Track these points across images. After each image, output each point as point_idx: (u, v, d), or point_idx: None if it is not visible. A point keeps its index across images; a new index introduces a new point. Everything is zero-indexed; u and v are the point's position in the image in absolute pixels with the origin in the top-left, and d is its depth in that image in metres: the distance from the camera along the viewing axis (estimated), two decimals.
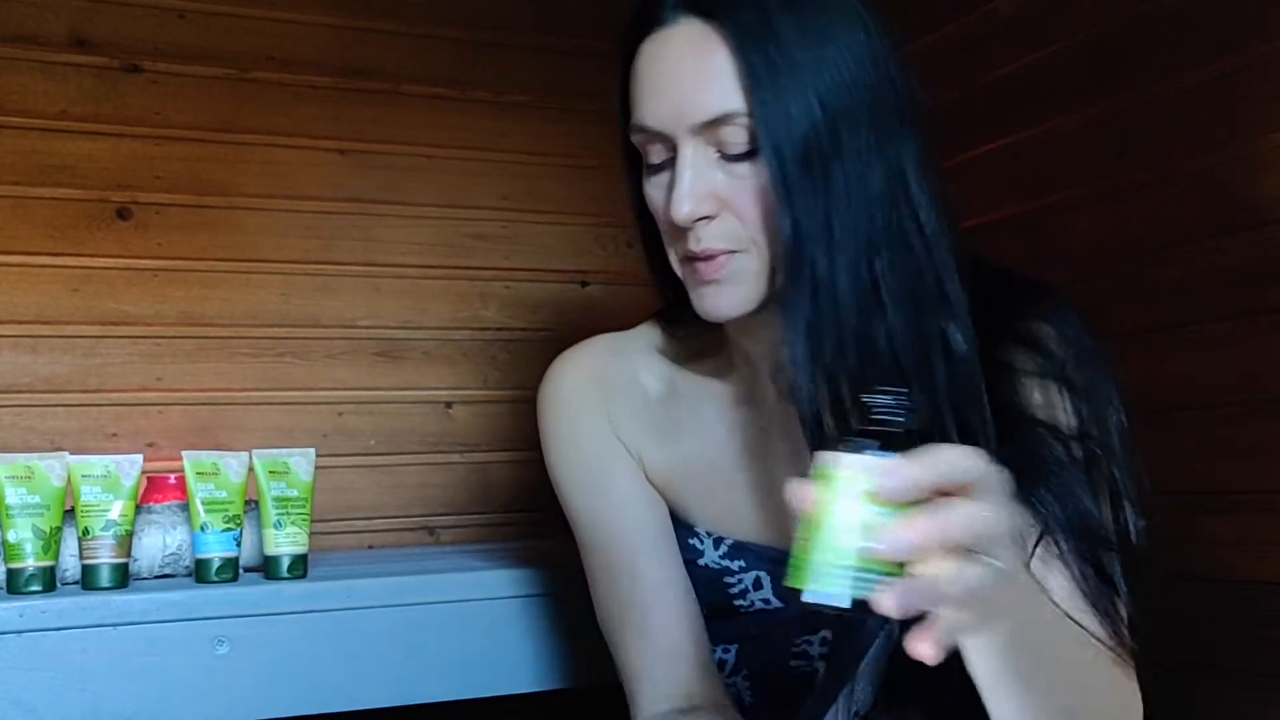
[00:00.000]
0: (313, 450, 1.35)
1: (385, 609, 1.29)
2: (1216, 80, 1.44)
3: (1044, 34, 1.68)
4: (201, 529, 1.28)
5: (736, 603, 1.03)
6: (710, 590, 1.04)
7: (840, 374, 0.88)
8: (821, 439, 0.87)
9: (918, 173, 0.92)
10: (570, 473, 1.09)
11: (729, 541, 1.04)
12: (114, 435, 1.72)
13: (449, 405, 1.93)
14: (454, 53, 1.98)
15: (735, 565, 1.02)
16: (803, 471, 0.96)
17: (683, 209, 0.89)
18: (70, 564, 1.27)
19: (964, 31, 1.83)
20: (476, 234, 1.97)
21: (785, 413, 1.00)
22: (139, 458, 1.29)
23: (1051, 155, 1.67)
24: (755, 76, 0.87)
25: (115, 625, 1.19)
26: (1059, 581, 0.86)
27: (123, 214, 1.76)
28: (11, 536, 1.21)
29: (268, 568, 1.30)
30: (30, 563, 1.21)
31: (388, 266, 1.91)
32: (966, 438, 0.88)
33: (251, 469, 1.32)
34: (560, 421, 1.10)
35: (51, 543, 1.22)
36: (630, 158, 0.98)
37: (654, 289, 1.07)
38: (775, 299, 0.92)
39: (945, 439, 0.88)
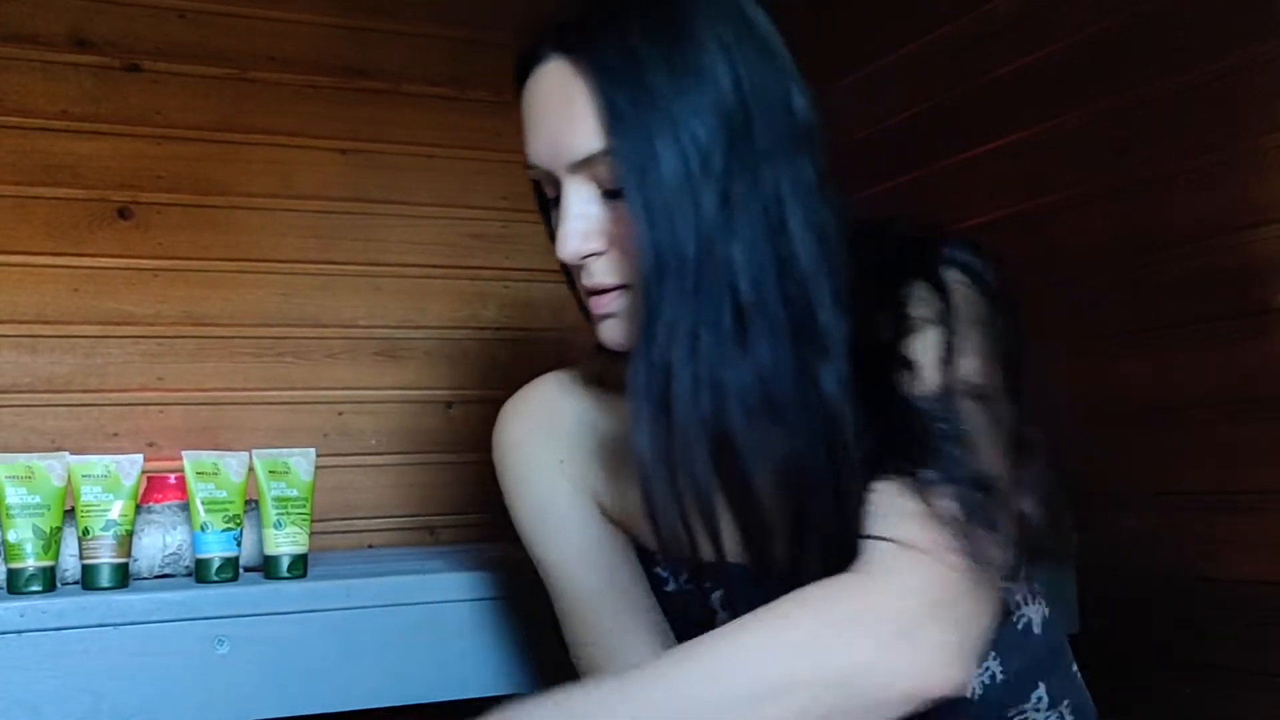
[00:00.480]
0: (313, 450, 1.35)
1: (385, 608, 1.28)
2: (1215, 80, 1.44)
3: (1043, 34, 1.68)
4: (201, 529, 1.28)
5: (720, 617, 1.03)
6: (683, 615, 1.04)
7: (693, 434, 0.86)
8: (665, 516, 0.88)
9: (798, 201, 0.88)
10: (528, 519, 1.08)
11: (691, 566, 1.03)
12: (115, 435, 1.73)
13: (449, 405, 1.93)
14: (454, 52, 1.98)
15: (705, 585, 1.02)
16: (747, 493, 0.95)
17: (567, 247, 0.90)
18: (70, 564, 1.27)
19: (963, 31, 1.83)
20: (476, 234, 1.97)
21: None
22: (139, 458, 1.29)
23: (1051, 155, 1.67)
24: (617, 114, 0.86)
25: (115, 625, 1.19)
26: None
27: (123, 214, 1.76)
28: (12, 536, 1.21)
29: (268, 567, 1.30)
30: (30, 563, 1.21)
31: (388, 266, 1.92)
32: (832, 469, 0.87)
33: (252, 469, 1.32)
34: (514, 469, 1.09)
35: (52, 543, 1.22)
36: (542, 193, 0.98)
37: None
38: None
39: (810, 474, 0.88)
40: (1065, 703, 1.02)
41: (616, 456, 1.05)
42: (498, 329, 1.97)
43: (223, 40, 1.84)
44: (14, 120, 1.71)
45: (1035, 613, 1.00)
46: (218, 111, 1.83)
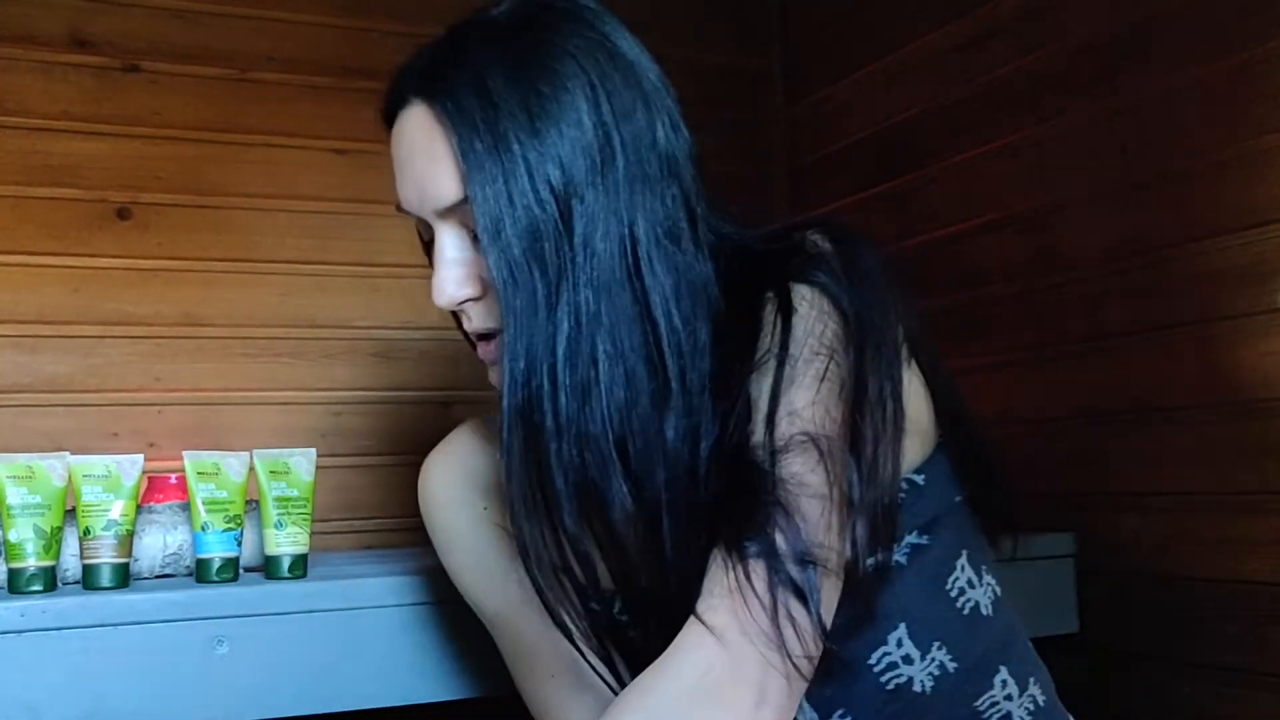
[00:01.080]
0: (313, 450, 1.35)
1: (385, 609, 1.28)
2: (1215, 80, 1.44)
3: (1044, 34, 1.68)
4: (202, 529, 1.28)
5: (631, 633, 1.02)
6: (608, 634, 1.04)
7: (559, 481, 0.85)
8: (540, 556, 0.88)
9: (658, 243, 0.86)
10: (463, 573, 1.08)
11: (620, 599, 1.01)
12: (115, 435, 1.73)
13: (446, 405, 1.93)
14: None
15: (615, 609, 1.02)
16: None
17: (442, 294, 0.90)
18: (71, 564, 1.27)
19: (964, 31, 1.83)
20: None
21: None
22: (140, 457, 1.28)
23: (1051, 155, 1.68)
24: (473, 162, 0.84)
25: (116, 625, 1.19)
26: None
27: (123, 214, 1.76)
28: (12, 536, 1.21)
29: (268, 568, 1.30)
30: (31, 562, 1.21)
31: (386, 266, 1.92)
32: (675, 520, 0.87)
33: (252, 469, 1.32)
34: (441, 526, 1.09)
35: (52, 542, 1.22)
36: None
37: None
38: None
39: (661, 525, 0.87)
40: (1031, 680, 0.99)
41: None
42: None
43: (222, 41, 1.84)
44: (14, 121, 1.71)
45: (983, 595, 0.97)
46: (217, 112, 1.83)
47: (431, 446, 1.89)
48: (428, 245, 0.95)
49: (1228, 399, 1.42)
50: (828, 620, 0.81)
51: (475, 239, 0.88)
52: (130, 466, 1.27)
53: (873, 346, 0.86)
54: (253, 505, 1.35)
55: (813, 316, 0.86)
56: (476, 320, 0.91)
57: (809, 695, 0.91)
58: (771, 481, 0.82)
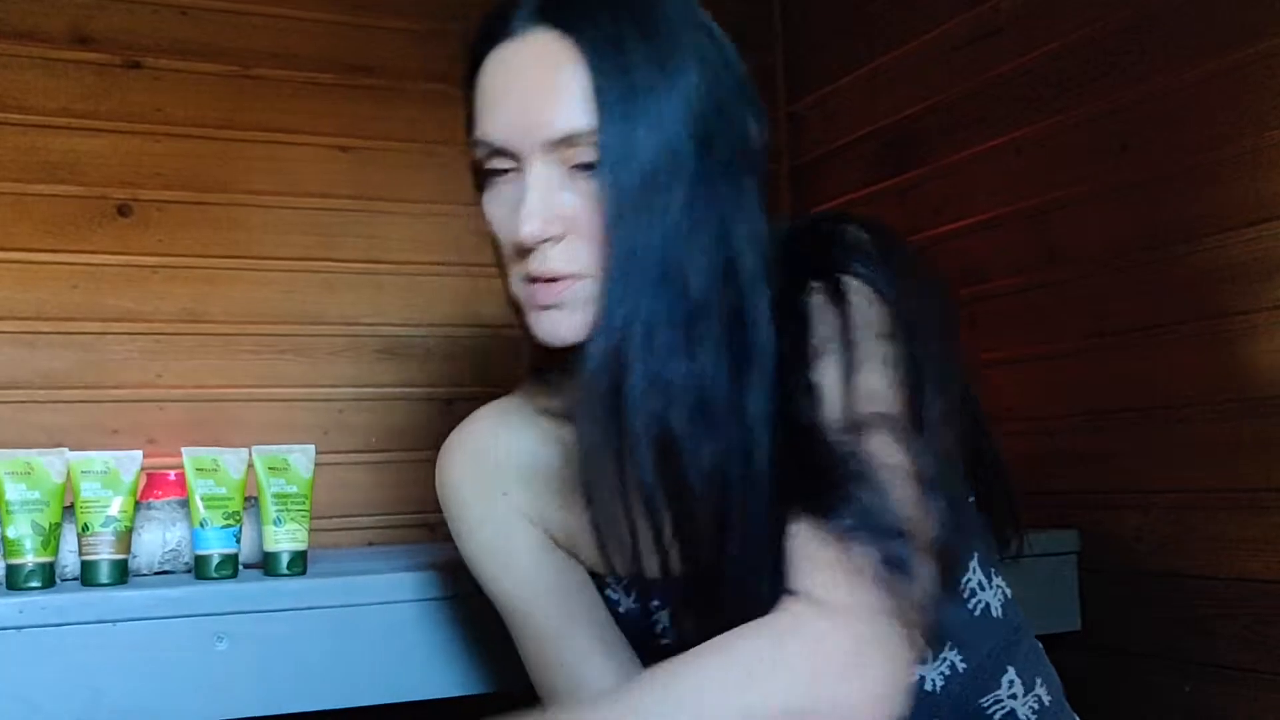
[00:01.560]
0: (312, 446, 1.35)
1: (384, 605, 1.28)
2: (1218, 76, 1.43)
3: (1046, 30, 1.68)
4: (201, 525, 1.28)
5: (662, 642, 1.02)
6: (637, 636, 1.04)
7: (640, 431, 0.85)
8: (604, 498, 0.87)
9: (744, 217, 0.89)
10: (479, 556, 1.08)
11: (639, 583, 1.02)
12: (115, 431, 1.73)
13: (450, 403, 1.93)
14: (455, 49, 1.97)
15: (651, 605, 1.02)
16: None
17: (530, 227, 0.86)
18: (70, 560, 1.27)
19: (965, 28, 1.82)
20: (478, 231, 1.96)
21: None
22: (138, 454, 1.28)
23: (1053, 152, 1.67)
24: (606, 96, 0.85)
25: (115, 621, 1.19)
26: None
27: (123, 211, 1.76)
28: (11, 532, 1.21)
29: (267, 564, 1.30)
30: (30, 559, 1.21)
31: (389, 264, 1.92)
32: (744, 488, 0.87)
33: (251, 465, 1.32)
34: (458, 508, 1.08)
35: (51, 539, 1.22)
36: (475, 173, 0.95)
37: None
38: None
39: (731, 489, 0.87)
40: (1038, 681, 1.00)
41: (560, 483, 1.04)
42: (499, 327, 1.97)
43: (224, 37, 1.84)
44: (14, 117, 1.71)
45: (993, 596, 0.98)
46: (219, 109, 1.83)
47: (434, 444, 1.88)
48: (483, 177, 0.93)
49: (1231, 396, 1.42)
50: (932, 589, 0.81)
51: (570, 177, 0.87)
52: (129, 463, 1.27)
53: (924, 334, 0.88)
54: (251, 502, 1.35)
55: (865, 305, 0.87)
56: (552, 261, 0.87)
57: None
58: (853, 461, 0.82)
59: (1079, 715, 1.04)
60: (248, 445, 1.33)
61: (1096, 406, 1.59)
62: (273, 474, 1.31)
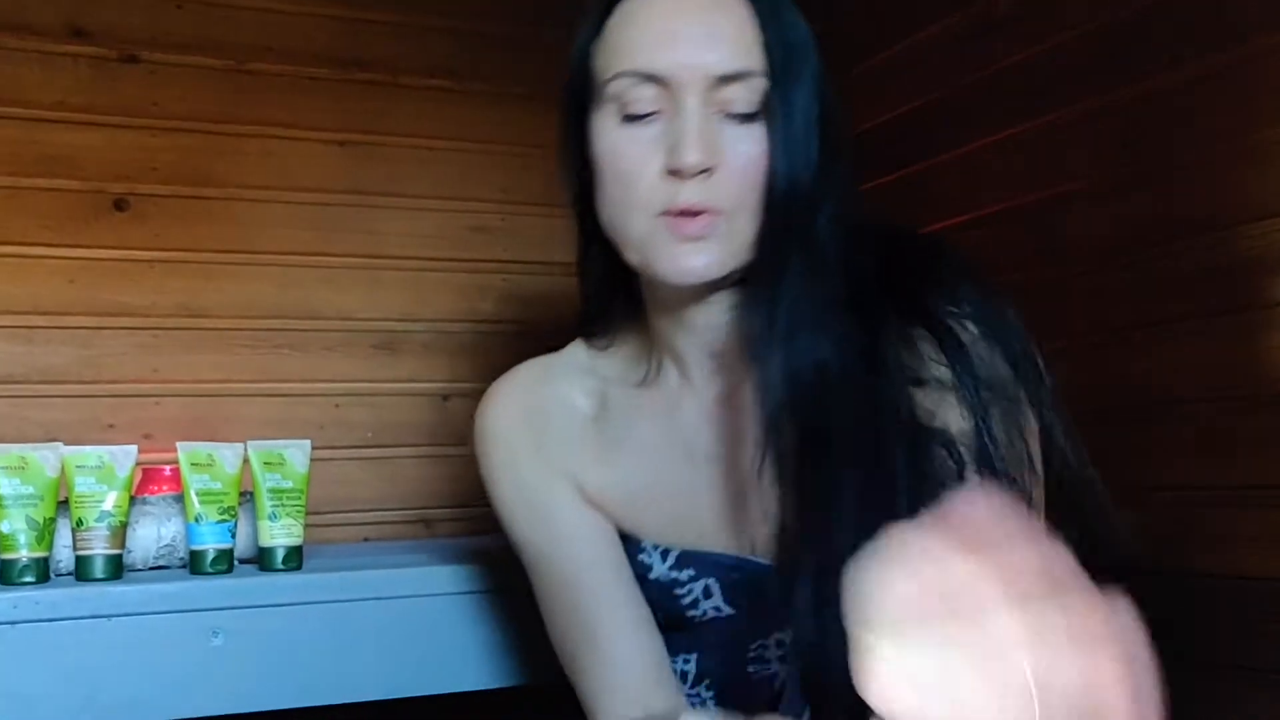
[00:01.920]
0: (308, 441, 1.34)
1: (380, 601, 1.28)
2: (1221, 72, 1.43)
3: (1046, 26, 1.67)
4: (196, 520, 1.28)
5: (689, 613, 1.02)
6: (663, 603, 1.04)
7: (793, 368, 0.90)
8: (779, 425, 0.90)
9: (850, 194, 0.97)
10: (511, 505, 1.09)
11: (676, 551, 1.03)
12: (110, 426, 1.72)
13: (446, 398, 1.92)
14: (453, 44, 1.97)
15: (684, 575, 1.02)
16: (738, 469, 0.97)
17: (695, 155, 0.89)
18: (64, 555, 1.27)
19: (966, 24, 1.82)
20: (476, 226, 1.97)
21: (715, 412, 1.01)
22: (133, 448, 1.28)
23: (1054, 148, 1.67)
24: (773, 49, 0.91)
25: (109, 616, 1.18)
26: None
27: (120, 205, 1.76)
28: (5, 527, 1.20)
29: (262, 559, 1.30)
30: (24, 553, 1.21)
31: (386, 259, 1.91)
32: (869, 489, 0.88)
33: (247, 460, 1.32)
34: (495, 457, 1.09)
35: (45, 533, 1.22)
36: (576, 123, 0.97)
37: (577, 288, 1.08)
38: (735, 278, 0.95)
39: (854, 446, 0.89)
40: None
41: (597, 442, 1.06)
42: (496, 322, 1.96)
43: (220, 32, 1.83)
44: (10, 111, 1.70)
45: None
46: (215, 103, 1.82)
47: (431, 439, 1.90)
48: (623, 120, 0.94)
49: (1232, 393, 1.41)
50: None
51: (724, 116, 0.91)
52: (124, 457, 1.27)
53: (1039, 385, 0.95)
54: (247, 497, 1.35)
55: (984, 353, 0.92)
56: (700, 194, 0.90)
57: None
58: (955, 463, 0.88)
59: None
60: (244, 440, 1.33)
61: (1096, 402, 1.59)
62: (268, 469, 1.30)
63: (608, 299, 1.05)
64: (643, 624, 1.02)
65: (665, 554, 1.03)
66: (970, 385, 0.90)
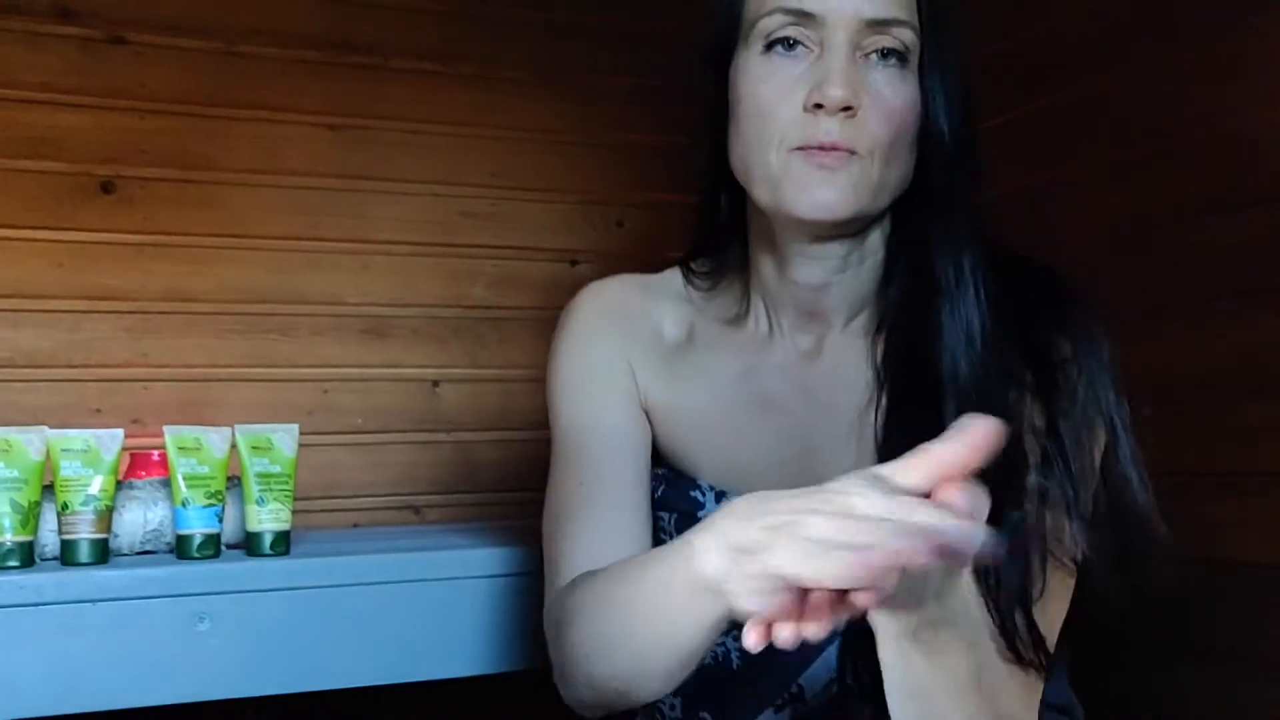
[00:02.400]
0: (296, 426, 1.33)
1: (368, 587, 1.28)
2: (1213, 57, 1.42)
3: (1043, 9, 1.67)
4: (183, 504, 1.27)
5: None
6: None
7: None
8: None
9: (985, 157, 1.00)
10: (569, 382, 1.10)
11: (731, 496, 1.03)
12: (98, 411, 1.71)
13: (436, 384, 1.91)
14: (444, 27, 1.96)
15: None
16: (811, 425, 0.98)
17: (841, 91, 0.91)
18: (49, 539, 1.26)
19: (961, 8, 1.81)
20: (465, 211, 1.95)
21: (798, 365, 1.03)
22: (119, 432, 1.27)
23: (1050, 131, 1.66)
24: (928, 3, 0.94)
25: (95, 601, 1.18)
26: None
27: (107, 188, 1.74)
28: None
29: (250, 544, 1.29)
30: (8, 537, 1.20)
31: (376, 243, 1.90)
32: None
33: (234, 444, 1.31)
34: (574, 335, 1.11)
35: (30, 517, 1.21)
36: (720, 56, 0.99)
37: (691, 222, 1.10)
38: (855, 228, 0.97)
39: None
40: (1057, 703, 1.02)
41: (674, 367, 1.07)
42: (486, 308, 1.96)
43: (209, 13, 1.81)
44: None
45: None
46: (204, 85, 1.81)
47: (420, 425, 1.89)
48: (769, 51, 0.96)
49: (1222, 379, 1.41)
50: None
51: (870, 61, 0.94)
52: (110, 441, 1.26)
53: (1116, 408, 0.98)
54: (234, 481, 1.34)
55: (1071, 371, 0.95)
56: (839, 133, 0.92)
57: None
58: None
59: (1075, 698, 1.04)
60: (232, 425, 1.32)
61: None
62: (256, 453, 1.29)
63: (723, 243, 1.08)
64: (639, 525, 1.03)
65: (719, 496, 1.03)
66: (1049, 392, 0.93)
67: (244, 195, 1.83)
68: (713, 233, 1.08)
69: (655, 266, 1.16)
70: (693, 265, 1.11)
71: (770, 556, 0.69)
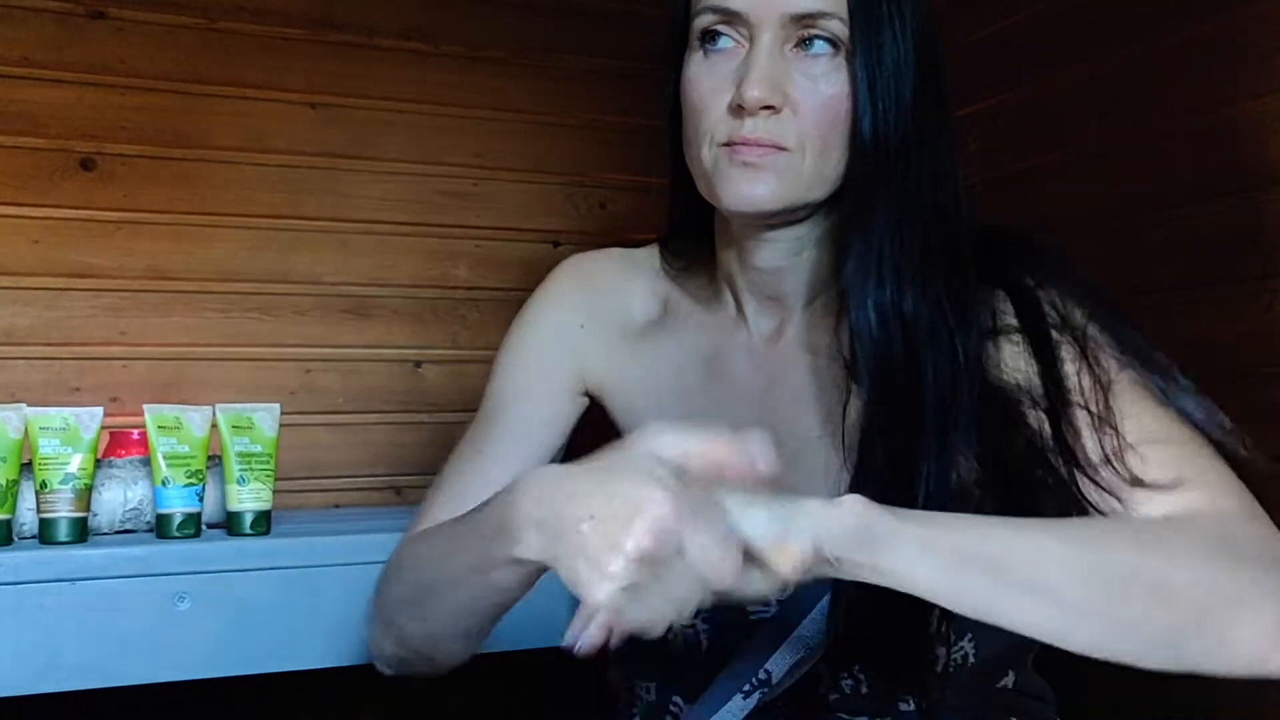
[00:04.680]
0: (277, 405, 1.33)
1: (348, 567, 1.27)
2: (1198, 43, 1.43)
3: None
4: (163, 484, 1.26)
5: None
6: None
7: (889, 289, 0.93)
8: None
9: (953, 147, 0.97)
10: (510, 349, 1.13)
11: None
12: (77, 389, 1.70)
13: (418, 364, 1.91)
14: (428, 6, 1.94)
15: None
16: (777, 414, 0.97)
17: (756, 91, 0.91)
18: (28, 518, 1.26)
19: None
20: (448, 191, 1.95)
21: (759, 351, 1.04)
22: (99, 410, 1.27)
23: (1032, 119, 1.66)
24: None
25: (74, 580, 1.17)
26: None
27: (86, 164, 1.73)
28: None
29: (230, 524, 1.29)
30: None
31: (357, 222, 1.89)
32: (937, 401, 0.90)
33: (215, 424, 1.30)
34: (533, 307, 1.13)
35: (8, 496, 1.20)
36: (673, 59, 0.99)
37: (666, 207, 1.10)
38: (799, 216, 0.96)
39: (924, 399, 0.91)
40: (1032, 687, 1.02)
41: (645, 345, 1.09)
42: (469, 288, 1.95)
43: None
44: None
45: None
46: (185, 62, 1.79)
47: (402, 405, 1.89)
48: (704, 51, 0.96)
49: (1204, 367, 1.42)
50: None
51: (799, 55, 0.93)
52: (89, 419, 1.25)
53: (1118, 329, 0.94)
54: (215, 461, 1.33)
55: (1058, 303, 0.94)
56: (763, 130, 0.92)
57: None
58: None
59: (1046, 684, 1.04)
60: (213, 405, 1.32)
61: None
62: (237, 433, 1.29)
63: (695, 225, 1.08)
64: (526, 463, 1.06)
65: None
66: (1038, 332, 0.92)
67: (225, 173, 1.82)
68: (683, 216, 1.08)
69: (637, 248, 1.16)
70: (669, 245, 1.12)
71: (568, 573, 0.74)
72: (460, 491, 1.06)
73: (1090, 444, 0.88)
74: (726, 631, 0.99)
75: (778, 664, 0.94)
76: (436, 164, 1.94)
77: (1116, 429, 0.88)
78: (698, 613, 1.02)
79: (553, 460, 1.10)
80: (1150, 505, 0.85)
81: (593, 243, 1.95)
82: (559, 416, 1.12)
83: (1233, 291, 1.39)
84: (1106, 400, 0.89)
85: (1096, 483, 0.87)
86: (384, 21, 1.91)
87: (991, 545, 0.78)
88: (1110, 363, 0.90)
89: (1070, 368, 0.91)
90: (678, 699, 1.00)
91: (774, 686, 0.94)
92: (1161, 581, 0.79)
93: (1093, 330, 0.92)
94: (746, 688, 0.94)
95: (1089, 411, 0.88)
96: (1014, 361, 0.93)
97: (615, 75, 1.99)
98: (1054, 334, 0.92)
